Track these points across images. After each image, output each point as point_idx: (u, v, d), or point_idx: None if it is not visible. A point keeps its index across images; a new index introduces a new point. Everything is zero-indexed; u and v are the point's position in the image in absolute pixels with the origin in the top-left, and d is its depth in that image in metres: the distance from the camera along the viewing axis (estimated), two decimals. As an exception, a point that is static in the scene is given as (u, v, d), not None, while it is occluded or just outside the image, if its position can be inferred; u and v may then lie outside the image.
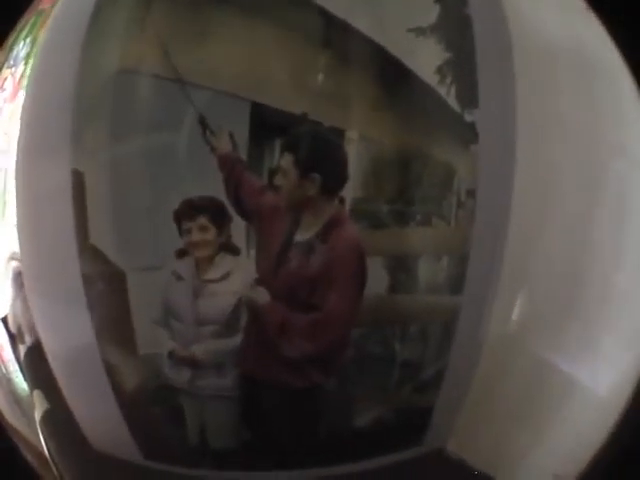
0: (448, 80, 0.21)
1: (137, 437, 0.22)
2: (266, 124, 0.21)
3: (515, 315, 0.23)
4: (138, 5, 0.26)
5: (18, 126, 0.34)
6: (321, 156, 0.20)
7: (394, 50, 0.20)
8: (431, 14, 0.21)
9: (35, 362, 0.28)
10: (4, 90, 0.54)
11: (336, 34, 0.18)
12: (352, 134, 0.20)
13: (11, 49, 0.53)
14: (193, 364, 0.20)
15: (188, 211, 0.19)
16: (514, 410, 0.24)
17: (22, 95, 0.46)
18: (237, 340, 0.19)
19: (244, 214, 0.20)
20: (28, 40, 0.52)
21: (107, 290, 0.20)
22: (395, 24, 0.21)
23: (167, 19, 0.25)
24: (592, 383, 0.27)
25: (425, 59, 0.20)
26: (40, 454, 0.47)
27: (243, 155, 0.21)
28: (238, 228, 0.19)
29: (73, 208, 0.20)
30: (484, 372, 0.23)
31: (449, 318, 0.21)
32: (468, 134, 0.20)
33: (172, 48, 0.22)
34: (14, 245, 0.30)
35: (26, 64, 0.50)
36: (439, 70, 0.21)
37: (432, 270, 0.21)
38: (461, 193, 0.20)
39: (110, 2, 0.27)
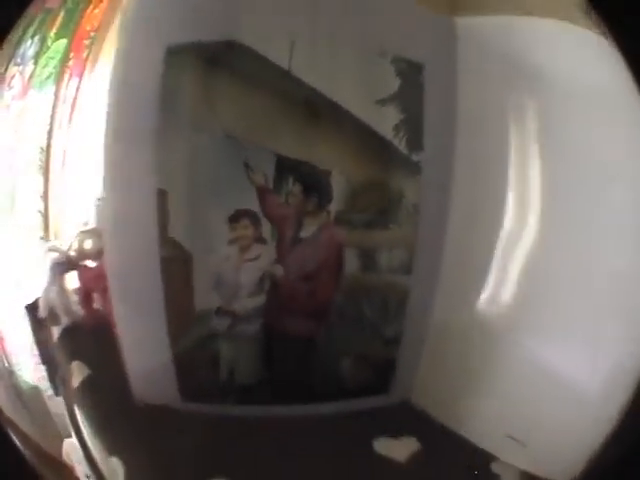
0: (401, 134, 0.30)
1: (180, 381, 0.30)
2: (284, 166, 0.31)
3: (458, 292, 0.30)
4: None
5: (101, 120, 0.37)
6: (317, 186, 0.31)
7: (365, 117, 0.29)
8: (393, 85, 0.31)
9: (75, 336, 0.34)
10: (12, 87, 0.56)
11: (325, 108, 0.29)
12: (336, 172, 0.30)
13: (17, 46, 0.56)
14: (233, 316, 0.31)
15: (237, 216, 0.31)
16: (466, 369, 0.31)
17: (35, 94, 0.50)
18: (262, 299, 0.30)
19: (270, 220, 0.31)
20: (36, 39, 0.54)
21: (178, 269, 0.31)
22: (366, 97, 0.31)
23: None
24: (562, 367, 0.32)
25: (386, 122, 0.30)
26: (40, 450, 0.51)
27: (270, 185, 0.32)
28: (266, 228, 0.30)
29: (157, 204, 0.31)
30: (434, 334, 0.30)
31: (403, 291, 0.29)
32: (414, 169, 0.30)
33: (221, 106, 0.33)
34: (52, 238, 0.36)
35: (36, 63, 0.52)
36: (395, 127, 0.30)
37: (389, 258, 0.29)
38: (409, 208, 0.29)
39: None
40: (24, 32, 0.55)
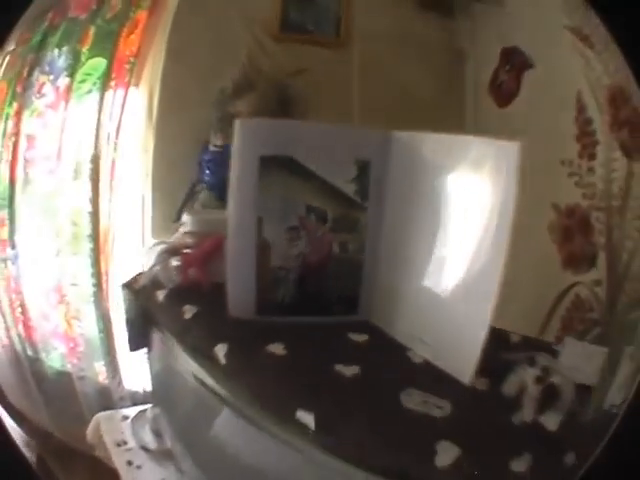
0: (358, 194, 0.49)
1: (258, 298, 0.46)
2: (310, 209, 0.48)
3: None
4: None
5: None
6: (323, 217, 0.49)
7: (342, 187, 0.48)
8: (354, 172, 0.48)
9: (181, 294, 0.47)
10: (44, 95, 0.64)
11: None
12: (329, 211, 0.48)
13: (41, 52, 0.63)
14: (287, 270, 0.46)
15: (293, 228, 0.46)
16: (395, 301, 0.49)
17: (75, 106, 0.58)
18: (300, 262, 0.46)
19: (305, 230, 0.47)
20: (65, 50, 0.62)
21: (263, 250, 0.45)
22: (340, 177, 0.49)
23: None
24: (446, 297, 0.45)
25: (350, 188, 0.49)
26: (47, 436, 0.61)
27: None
28: (302, 232, 0.47)
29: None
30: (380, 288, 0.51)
31: (361, 259, 0.50)
32: (364, 209, 0.49)
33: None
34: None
35: (71, 77, 0.60)
36: (355, 191, 0.58)
37: (355, 246, 0.50)
38: (363, 224, 0.50)
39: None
40: (45, 37, 0.62)
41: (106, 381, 0.69)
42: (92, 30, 0.63)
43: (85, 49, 0.63)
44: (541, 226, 0.57)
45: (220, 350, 0.40)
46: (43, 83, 0.67)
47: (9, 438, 0.55)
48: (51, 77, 0.66)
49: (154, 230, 0.60)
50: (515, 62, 0.60)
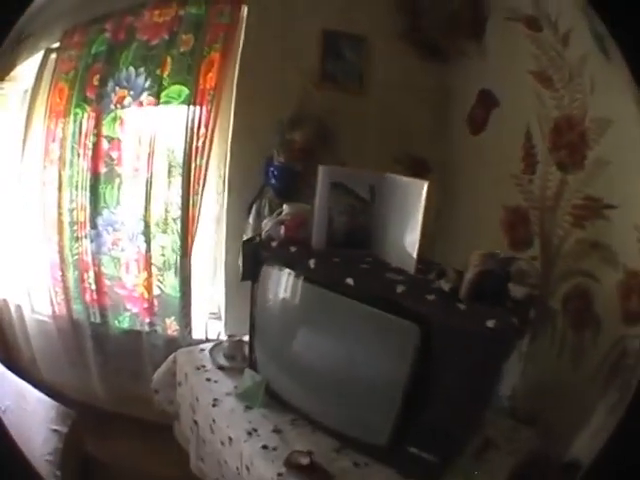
0: (369, 199, 0.88)
1: (327, 240, 0.74)
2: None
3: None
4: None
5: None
6: None
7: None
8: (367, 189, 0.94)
9: (279, 245, 0.74)
10: (126, 106, 0.84)
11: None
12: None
13: (110, 64, 0.81)
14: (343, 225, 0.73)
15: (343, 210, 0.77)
16: None
17: (164, 121, 0.80)
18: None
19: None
20: (143, 71, 0.81)
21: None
22: (362, 191, 0.83)
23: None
24: None
25: (367, 197, 0.89)
26: (87, 407, 0.85)
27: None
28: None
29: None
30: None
31: (369, 226, 0.80)
32: (373, 206, 0.88)
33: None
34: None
35: (156, 97, 0.80)
36: (369, 197, 0.90)
37: (366, 218, 0.78)
38: (371, 215, 0.81)
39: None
40: (112, 51, 0.79)
41: (175, 333, 0.93)
42: (169, 59, 0.81)
43: (165, 75, 0.81)
44: (495, 220, 0.87)
45: (311, 262, 0.71)
46: (123, 96, 0.84)
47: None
48: (132, 92, 0.83)
49: (228, 221, 0.86)
50: (486, 101, 0.84)
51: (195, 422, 0.82)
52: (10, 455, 0.54)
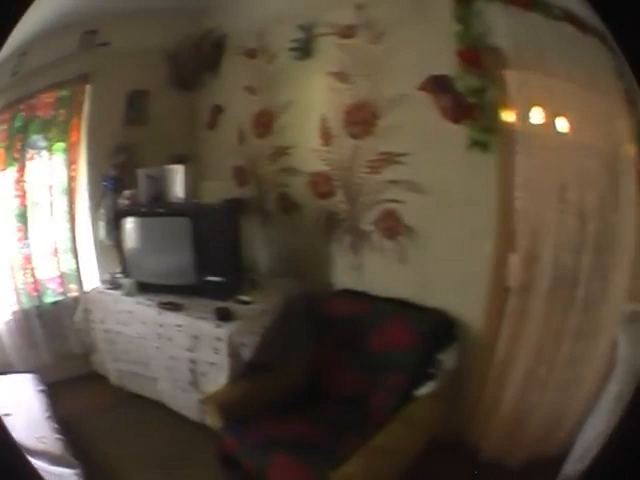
0: None
1: None
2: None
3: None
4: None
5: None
6: None
7: None
8: None
9: None
10: (34, 160, 1.45)
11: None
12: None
13: (24, 133, 1.40)
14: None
15: None
16: None
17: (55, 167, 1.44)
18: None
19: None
20: (42, 137, 1.43)
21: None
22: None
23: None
24: None
25: None
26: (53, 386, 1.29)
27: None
28: None
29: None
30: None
31: None
32: None
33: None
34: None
35: (49, 151, 1.46)
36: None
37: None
38: None
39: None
40: (26, 125, 1.34)
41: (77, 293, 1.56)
42: (54, 127, 1.43)
43: (52, 137, 1.44)
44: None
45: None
46: (33, 154, 1.45)
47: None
48: (36, 151, 1.46)
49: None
50: (214, 111, 1.68)
51: (106, 331, 1.46)
52: (13, 457, 0.55)
